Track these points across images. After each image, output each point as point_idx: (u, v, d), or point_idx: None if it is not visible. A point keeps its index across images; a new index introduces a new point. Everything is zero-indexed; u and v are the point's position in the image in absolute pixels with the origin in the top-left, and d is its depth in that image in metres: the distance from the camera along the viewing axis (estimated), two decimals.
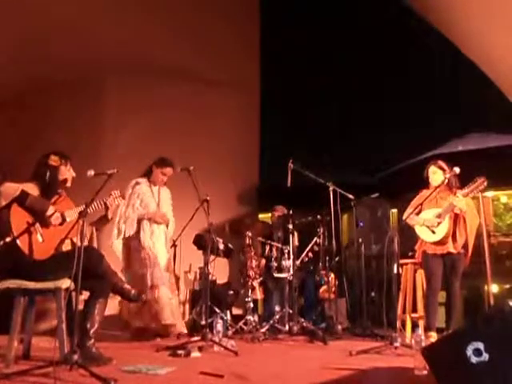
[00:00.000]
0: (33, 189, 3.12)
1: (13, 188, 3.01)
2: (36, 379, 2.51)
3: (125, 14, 6.11)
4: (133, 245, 4.31)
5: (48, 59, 6.27)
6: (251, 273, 4.98)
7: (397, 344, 3.57)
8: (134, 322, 4.17)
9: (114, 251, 4.30)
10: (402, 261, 4.57)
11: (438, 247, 4.03)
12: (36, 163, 3.27)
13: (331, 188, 4.85)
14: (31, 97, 6.85)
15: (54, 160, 3.25)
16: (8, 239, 2.93)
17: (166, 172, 4.43)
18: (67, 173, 3.30)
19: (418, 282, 4.62)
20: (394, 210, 6.50)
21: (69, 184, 3.33)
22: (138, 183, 4.40)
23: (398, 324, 4.50)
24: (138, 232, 4.30)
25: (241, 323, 4.85)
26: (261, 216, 7.50)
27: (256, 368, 3.13)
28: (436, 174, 4.13)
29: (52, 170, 3.23)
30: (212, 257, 4.61)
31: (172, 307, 4.20)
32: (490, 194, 6.48)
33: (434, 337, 3.83)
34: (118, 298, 3.88)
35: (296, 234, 5.24)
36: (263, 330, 4.62)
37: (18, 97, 6.85)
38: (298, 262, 5.12)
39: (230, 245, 5.30)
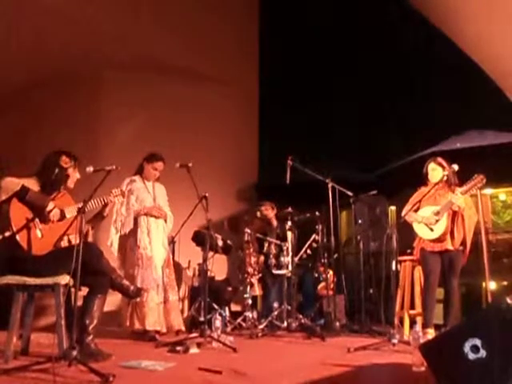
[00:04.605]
0: (33, 184, 3.12)
1: (14, 183, 3.02)
2: (35, 375, 2.52)
3: (124, 11, 6.10)
4: (129, 243, 4.29)
5: (46, 55, 6.25)
6: (250, 269, 4.99)
7: (395, 341, 3.58)
8: (127, 323, 4.15)
9: (111, 249, 4.28)
10: (400, 258, 4.59)
11: (436, 244, 4.04)
12: (45, 159, 3.28)
13: (330, 185, 4.86)
14: (28, 92, 6.83)
15: (65, 161, 3.28)
16: (7, 234, 2.94)
17: (157, 167, 4.43)
18: (73, 175, 3.31)
19: (416, 279, 4.64)
20: (393, 208, 6.51)
21: (72, 185, 3.34)
22: (132, 181, 4.40)
23: (396, 321, 4.51)
24: (135, 229, 4.29)
25: (239, 319, 4.86)
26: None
27: (254, 364, 3.14)
28: (435, 171, 4.13)
29: (61, 170, 3.25)
30: (211, 253, 4.62)
31: (159, 313, 4.15)
32: (488, 191, 6.48)
33: (431, 333, 3.84)
34: (119, 295, 3.87)
35: (295, 230, 5.24)
36: (262, 326, 4.64)
37: (15, 92, 6.83)
38: (296, 259, 5.13)
39: (228, 241, 5.30)
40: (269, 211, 5.73)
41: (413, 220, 4.10)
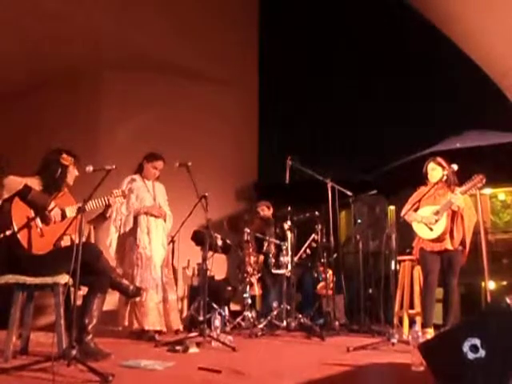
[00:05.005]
0: (36, 183, 3.13)
1: (16, 181, 3.02)
2: (34, 374, 2.52)
3: (124, 10, 6.10)
4: (128, 242, 4.28)
5: (46, 53, 6.25)
6: (249, 269, 4.99)
7: (394, 340, 3.59)
8: (126, 323, 4.15)
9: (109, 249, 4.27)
10: (399, 257, 4.59)
11: (436, 244, 4.04)
12: (45, 158, 3.28)
13: (329, 185, 4.86)
14: (29, 91, 6.84)
15: (65, 159, 3.28)
16: (8, 232, 2.94)
17: (157, 166, 4.43)
18: (72, 172, 3.32)
19: (415, 279, 4.64)
20: (392, 207, 6.51)
21: (71, 182, 3.35)
22: (132, 179, 4.40)
23: (396, 320, 4.52)
24: (134, 229, 4.28)
25: (239, 319, 4.86)
26: None
27: (253, 364, 3.15)
28: (435, 171, 4.13)
29: (63, 168, 3.25)
30: (210, 253, 4.61)
31: (159, 312, 4.14)
32: (487, 191, 6.49)
33: (430, 333, 3.84)
34: (118, 294, 3.88)
35: (294, 230, 5.24)
36: (261, 325, 4.63)
37: (15, 91, 6.84)
38: (296, 259, 5.13)
39: (228, 241, 5.30)
40: (265, 211, 5.74)
41: (412, 220, 4.10)
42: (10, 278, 2.96)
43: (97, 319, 3.11)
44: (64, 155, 3.28)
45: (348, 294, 5.46)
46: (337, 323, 4.74)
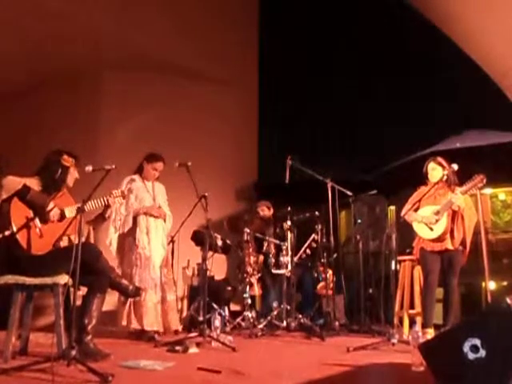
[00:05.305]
0: (35, 184, 3.12)
1: (15, 182, 3.02)
2: (34, 375, 2.52)
3: (124, 10, 6.10)
4: (127, 242, 4.28)
5: (46, 53, 6.25)
6: (249, 269, 4.98)
7: (394, 340, 3.59)
8: (125, 323, 4.13)
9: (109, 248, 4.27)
10: (399, 257, 4.59)
11: (436, 244, 4.03)
12: (46, 159, 3.28)
13: (329, 185, 4.85)
14: (29, 91, 6.84)
15: (66, 160, 3.27)
16: (7, 233, 2.93)
17: (157, 167, 4.42)
18: (73, 173, 3.31)
19: (415, 279, 4.64)
20: (392, 207, 6.50)
21: (71, 184, 3.34)
22: (131, 180, 4.39)
23: (396, 320, 4.51)
24: (133, 229, 4.27)
25: (239, 319, 4.85)
26: None
27: (253, 364, 3.14)
28: (435, 171, 4.12)
29: (63, 169, 3.25)
30: (210, 253, 4.61)
31: (157, 312, 4.13)
32: (488, 191, 6.48)
33: (431, 333, 3.84)
34: (117, 294, 3.87)
35: (294, 230, 5.23)
36: (261, 326, 4.63)
37: (15, 91, 6.84)
38: (295, 259, 5.12)
39: (228, 241, 5.29)
40: (265, 211, 5.73)
41: (413, 219, 4.09)
42: (10, 279, 2.96)
43: (96, 319, 3.10)
44: (65, 156, 3.28)
45: (348, 294, 5.46)
46: (337, 323, 4.74)
